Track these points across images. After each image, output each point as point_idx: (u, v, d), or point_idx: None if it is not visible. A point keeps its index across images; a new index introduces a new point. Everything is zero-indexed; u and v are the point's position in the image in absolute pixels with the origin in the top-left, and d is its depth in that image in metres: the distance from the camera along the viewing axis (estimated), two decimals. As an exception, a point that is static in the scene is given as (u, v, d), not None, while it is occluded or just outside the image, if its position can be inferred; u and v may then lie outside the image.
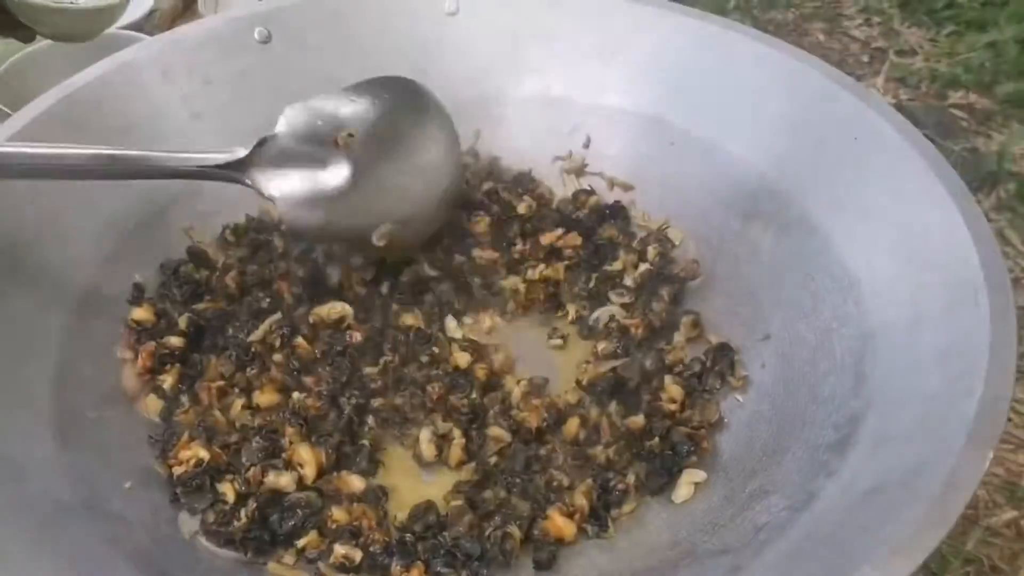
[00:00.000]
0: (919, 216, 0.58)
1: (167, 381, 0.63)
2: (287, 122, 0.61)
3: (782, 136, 0.68)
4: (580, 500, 0.57)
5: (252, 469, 0.58)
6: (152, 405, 0.63)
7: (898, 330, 0.56)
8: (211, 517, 0.57)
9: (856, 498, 0.49)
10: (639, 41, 0.75)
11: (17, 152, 0.56)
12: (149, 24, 1.03)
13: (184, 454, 0.59)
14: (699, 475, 0.59)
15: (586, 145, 0.78)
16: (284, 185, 0.61)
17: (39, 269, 0.61)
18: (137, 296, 0.67)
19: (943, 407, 0.49)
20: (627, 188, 0.77)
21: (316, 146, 0.62)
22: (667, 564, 0.54)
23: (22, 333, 0.59)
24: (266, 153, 0.60)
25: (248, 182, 0.60)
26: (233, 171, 0.60)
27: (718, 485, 0.59)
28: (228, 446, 0.60)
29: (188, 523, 0.58)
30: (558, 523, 0.56)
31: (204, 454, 0.59)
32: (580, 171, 0.79)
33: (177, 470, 0.59)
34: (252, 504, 0.57)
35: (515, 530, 0.56)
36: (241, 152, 0.60)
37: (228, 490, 0.58)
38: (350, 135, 0.63)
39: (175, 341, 0.65)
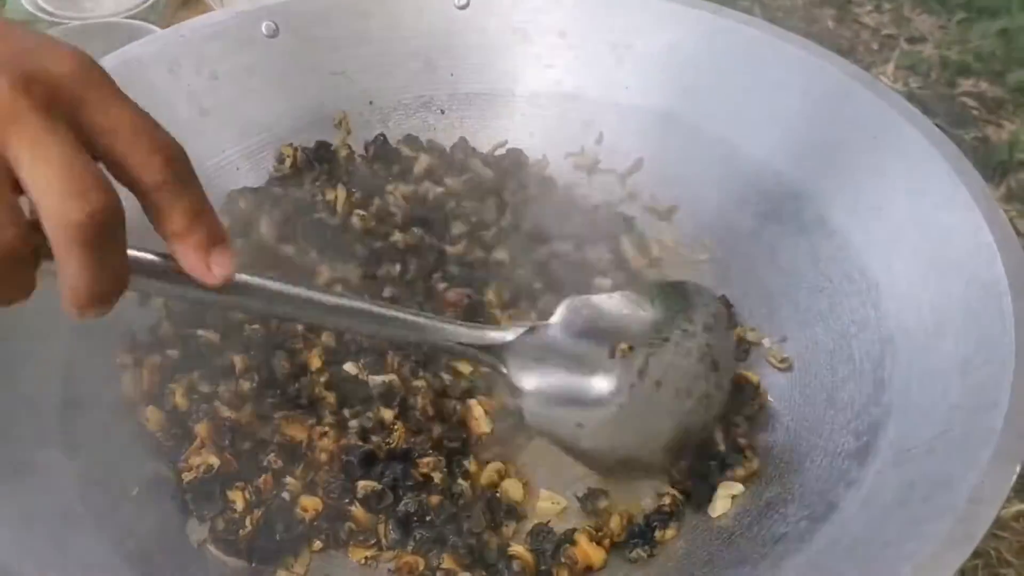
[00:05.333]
0: (940, 219, 0.57)
1: (176, 395, 0.61)
2: (564, 313, 0.56)
3: (799, 135, 0.67)
4: (615, 524, 0.56)
5: (264, 476, 0.57)
6: (153, 416, 0.60)
7: (918, 336, 0.56)
8: (220, 525, 0.56)
9: (878, 511, 0.48)
10: (652, 35, 0.73)
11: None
12: (155, 13, 1.01)
13: (195, 460, 0.58)
14: (736, 487, 0.57)
15: (598, 141, 0.77)
16: (539, 381, 0.56)
17: (44, 272, 0.59)
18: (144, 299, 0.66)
19: (966, 418, 0.48)
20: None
21: (588, 348, 0.56)
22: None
23: (27, 337, 0.57)
24: (532, 342, 0.55)
25: (503, 369, 0.55)
26: (491, 354, 0.55)
27: (734, 492, 0.59)
28: (240, 453, 0.59)
29: (197, 531, 0.57)
30: (586, 550, 0.54)
31: (215, 460, 0.58)
32: (592, 168, 0.77)
33: (187, 476, 0.58)
34: (258, 512, 0.56)
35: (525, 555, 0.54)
36: (509, 335, 0.55)
37: (238, 498, 0.57)
38: (630, 348, 0.56)
39: (173, 353, 0.63)
